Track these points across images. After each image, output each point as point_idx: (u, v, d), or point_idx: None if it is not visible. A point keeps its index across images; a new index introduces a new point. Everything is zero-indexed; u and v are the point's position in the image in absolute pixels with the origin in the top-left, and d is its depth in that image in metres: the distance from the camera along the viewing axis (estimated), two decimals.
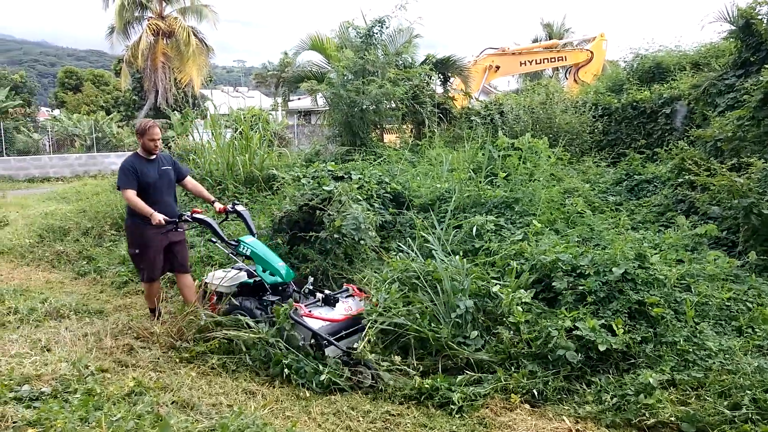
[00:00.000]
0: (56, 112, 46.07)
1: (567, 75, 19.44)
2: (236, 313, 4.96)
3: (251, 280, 5.24)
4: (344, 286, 5.33)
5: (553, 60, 18.18)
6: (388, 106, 10.71)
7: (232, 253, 5.45)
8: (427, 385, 4.00)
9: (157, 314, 5.63)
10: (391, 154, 9.40)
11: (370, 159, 8.90)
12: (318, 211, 6.28)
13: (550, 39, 31.85)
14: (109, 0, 29.30)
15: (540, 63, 18.10)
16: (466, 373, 4.15)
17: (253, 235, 5.44)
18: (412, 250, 5.49)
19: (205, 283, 5.36)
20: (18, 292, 6.71)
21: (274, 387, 4.25)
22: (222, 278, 5.26)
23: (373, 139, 10.95)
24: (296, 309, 4.60)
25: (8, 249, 9.08)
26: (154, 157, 5.59)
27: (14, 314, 5.80)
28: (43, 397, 3.86)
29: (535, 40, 35.48)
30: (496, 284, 4.70)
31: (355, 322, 4.78)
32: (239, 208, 5.63)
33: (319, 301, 4.95)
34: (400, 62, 11.54)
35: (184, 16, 29.65)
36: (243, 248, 5.22)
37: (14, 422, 3.46)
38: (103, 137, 29.75)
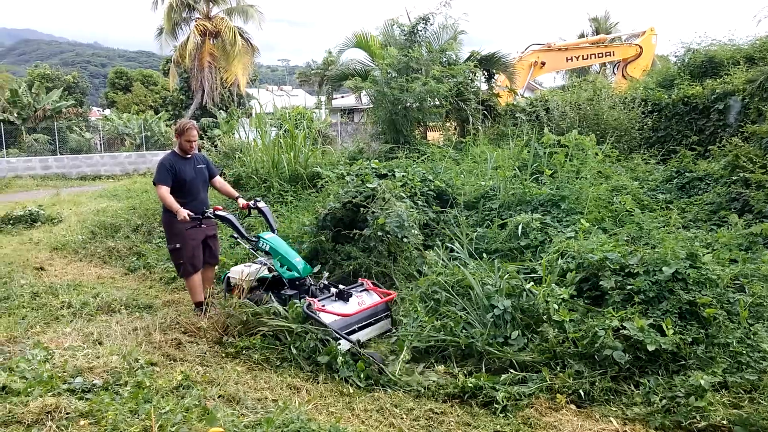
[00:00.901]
0: (107, 111, 47.53)
1: (615, 70, 19.01)
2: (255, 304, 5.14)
3: (270, 275, 5.40)
4: (359, 281, 5.44)
5: (600, 55, 17.84)
6: (431, 104, 10.67)
7: (252, 248, 5.67)
8: (470, 384, 3.98)
9: (204, 308, 5.77)
10: (435, 151, 9.36)
11: (414, 157, 8.88)
12: (362, 209, 6.30)
13: (597, 34, 31.25)
14: (158, 2, 30.02)
15: (587, 59, 17.79)
16: (511, 372, 4.11)
17: (273, 232, 5.63)
18: (440, 258, 5.59)
19: (228, 276, 5.61)
20: (71, 286, 6.95)
21: (317, 383, 4.28)
22: (243, 273, 5.48)
23: (417, 137, 10.93)
24: (309, 304, 4.74)
25: (62, 245, 9.40)
26: (190, 155, 5.87)
27: (67, 308, 6.01)
28: (95, 389, 3.97)
29: (582, 36, 34.92)
30: (529, 282, 4.67)
31: (370, 315, 4.97)
32: (260, 204, 5.86)
33: (332, 295, 5.10)
34: (444, 59, 11.47)
35: (230, 16, 30.15)
36: (262, 244, 5.44)
37: (67, 413, 3.58)
38: (152, 136, 30.56)
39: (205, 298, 5.81)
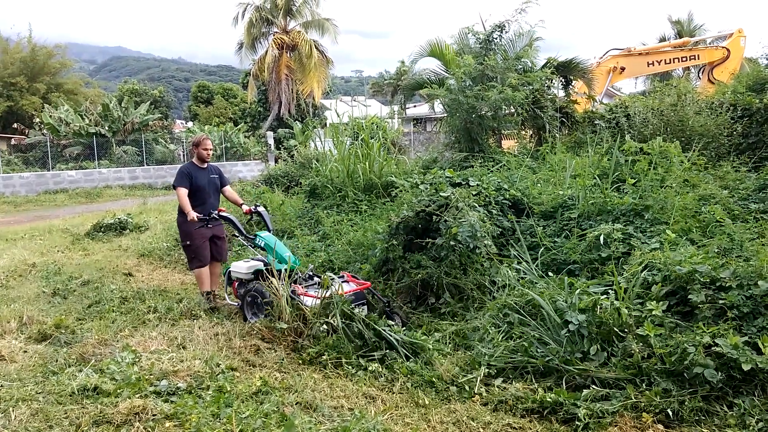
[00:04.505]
0: (190, 124, 49.53)
1: (700, 75, 18.17)
2: (251, 294, 5.90)
3: (264, 268, 5.97)
4: (341, 273, 6.03)
5: (684, 59, 17.08)
6: (507, 112, 10.51)
7: (250, 244, 6.44)
8: (549, 399, 3.86)
9: (212, 296, 6.74)
10: (511, 160, 9.21)
11: (489, 165, 8.77)
12: (435, 218, 6.27)
13: (680, 37, 30.00)
14: (238, 18, 31.15)
15: (669, 63, 17.06)
16: (593, 388, 3.96)
17: (269, 231, 6.44)
18: (509, 277, 5.54)
19: (230, 270, 6.38)
20: (157, 292, 7.26)
21: (393, 393, 4.26)
22: (242, 267, 6.24)
23: (492, 145, 10.79)
24: (294, 290, 5.47)
25: (149, 252, 9.83)
26: (206, 165, 6.87)
27: (153, 313, 6.27)
28: (179, 392, 4.12)
29: (663, 39, 33.65)
30: (605, 295, 4.52)
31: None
32: (260, 209, 6.76)
33: (315, 284, 5.88)
34: (520, 66, 11.29)
35: (306, 30, 30.91)
36: (259, 241, 6.24)
37: (154, 415, 3.72)
38: (232, 147, 31.60)
39: (213, 290, 6.82)
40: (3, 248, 11.03)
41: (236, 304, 6.32)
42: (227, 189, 7.15)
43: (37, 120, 31.31)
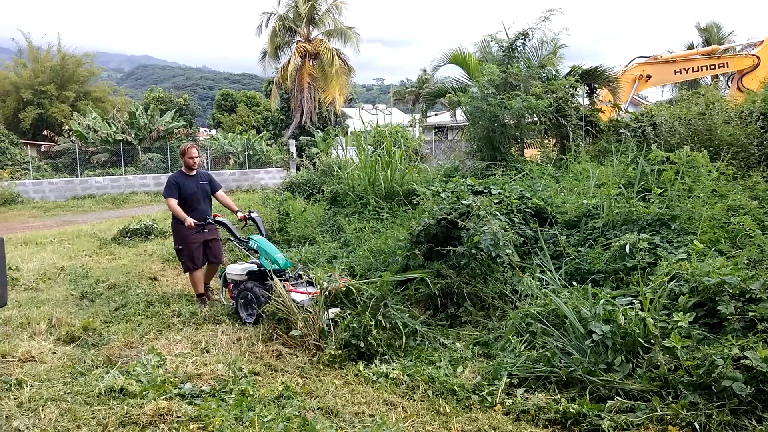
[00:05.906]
0: (213, 131, 50.03)
1: (729, 83, 17.88)
2: (244, 293, 6.22)
3: (257, 269, 6.38)
4: (329, 273, 6.17)
5: (712, 67, 16.83)
6: (530, 120, 10.46)
7: (243, 248, 6.76)
8: (572, 410, 3.81)
9: (204, 299, 6.99)
10: (533, 168, 9.15)
11: (511, 174, 8.73)
12: (456, 226, 6.25)
13: (708, 45, 29.60)
14: (262, 27, 31.50)
15: (697, 71, 16.84)
16: (617, 400, 3.90)
17: (262, 235, 6.77)
18: (531, 287, 5.49)
19: (225, 273, 6.71)
20: (181, 296, 7.34)
21: (414, 400, 4.25)
22: (236, 269, 6.60)
23: (514, 154, 10.74)
24: (284, 286, 5.72)
25: (173, 257, 9.89)
26: (194, 173, 7.08)
27: (178, 317, 6.36)
28: (203, 395, 4.18)
29: (690, 47, 33.26)
30: (629, 305, 4.46)
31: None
32: (254, 215, 7.08)
33: (304, 282, 6.21)
34: (544, 74, 11.23)
35: (329, 38, 31.13)
36: (252, 243, 6.56)
37: (178, 417, 3.77)
38: (254, 155, 31.84)
39: (211, 290, 7.18)
40: (33, 252, 11.25)
41: (231, 304, 6.51)
42: (220, 194, 7.33)
43: (66, 127, 31.87)
